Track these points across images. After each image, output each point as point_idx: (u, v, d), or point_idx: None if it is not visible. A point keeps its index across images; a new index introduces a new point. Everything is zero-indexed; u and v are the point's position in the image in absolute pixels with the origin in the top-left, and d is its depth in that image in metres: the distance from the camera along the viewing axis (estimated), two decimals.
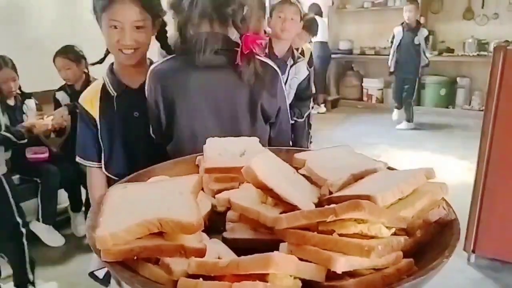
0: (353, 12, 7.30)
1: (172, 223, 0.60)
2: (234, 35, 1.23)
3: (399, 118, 5.85)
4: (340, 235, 0.57)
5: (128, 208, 0.66)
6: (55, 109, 2.98)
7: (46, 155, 2.92)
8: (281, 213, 0.65)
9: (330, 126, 5.92)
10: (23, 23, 3.24)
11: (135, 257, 0.59)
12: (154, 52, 1.39)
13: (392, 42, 5.52)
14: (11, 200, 2.29)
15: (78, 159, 1.36)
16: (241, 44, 1.18)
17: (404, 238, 0.61)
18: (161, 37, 1.34)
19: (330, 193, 0.73)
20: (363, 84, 7.24)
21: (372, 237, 0.58)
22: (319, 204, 0.71)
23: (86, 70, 3.00)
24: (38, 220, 2.92)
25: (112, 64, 1.35)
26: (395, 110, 5.94)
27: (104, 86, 1.33)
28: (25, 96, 2.94)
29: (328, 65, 6.80)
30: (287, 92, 1.78)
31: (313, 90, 2.84)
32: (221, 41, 1.19)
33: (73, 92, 2.95)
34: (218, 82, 1.21)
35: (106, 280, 1.33)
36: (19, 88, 2.87)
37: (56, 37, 3.09)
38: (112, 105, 1.31)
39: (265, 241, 0.68)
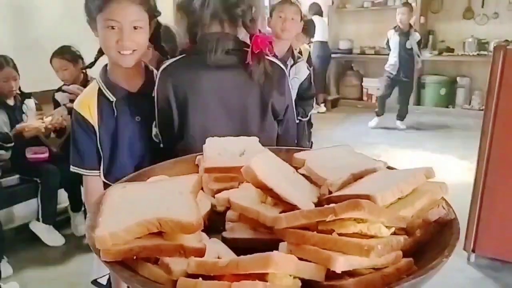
0: (353, 11, 7.29)
1: (172, 223, 0.60)
2: (241, 35, 1.26)
3: (377, 125, 5.65)
4: (340, 234, 0.57)
5: (128, 208, 0.66)
6: (54, 109, 2.98)
7: (46, 155, 2.92)
8: (280, 212, 0.65)
9: (330, 125, 5.92)
10: (23, 23, 3.24)
11: (135, 257, 0.59)
12: None
13: (387, 45, 5.43)
14: None
15: (75, 169, 1.28)
16: (251, 44, 1.21)
17: (403, 237, 0.61)
18: (155, 38, 1.31)
19: (330, 192, 0.73)
20: (363, 84, 7.23)
21: (371, 237, 0.58)
22: (318, 204, 0.71)
23: (84, 70, 3.00)
24: (38, 220, 2.92)
25: (105, 67, 1.30)
26: (376, 118, 5.70)
27: (100, 90, 1.27)
28: (24, 96, 2.95)
29: (328, 64, 6.79)
30: None
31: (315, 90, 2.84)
32: (232, 42, 1.22)
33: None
34: (229, 81, 1.23)
35: (108, 286, 1.33)
36: (19, 88, 2.87)
37: (56, 37, 3.08)
38: (111, 110, 1.26)
39: (264, 241, 0.68)
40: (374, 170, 0.78)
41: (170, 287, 0.56)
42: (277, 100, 1.26)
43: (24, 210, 2.96)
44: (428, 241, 0.66)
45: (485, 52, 6.04)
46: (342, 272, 0.54)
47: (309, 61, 3.23)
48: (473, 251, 2.55)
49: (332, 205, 0.58)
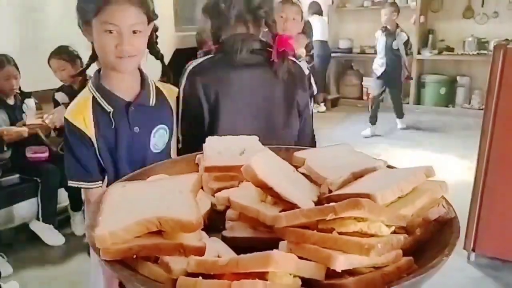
0: (353, 10, 7.29)
1: (172, 222, 0.59)
2: (261, 35, 1.34)
3: (371, 134, 5.35)
4: (340, 233, 0.57)
5: (127, 207, 0.66)
6: (54, 108, 2.98)
7: (46, 154, 2.92)
8: (280, 211, 0.65)
9: (330, 125, 5.92)
10: (24, 22, 3.23)
11: (134, 256, 0.58)
12: None
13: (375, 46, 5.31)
14: None
15: (75, 183, 1.22)
16: (275, 43, 1.28)
17: (403, 236, 0.61)
18: (151, 42, 1.25)
19: (330, 191, 0.73)
20: (363, 83, 7.22)
21: (371, 236, 0.58)
22: (318, 203, 0.71)
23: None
24: (38, 219, 2.92)
25: (97, 74, 1.22)
26: (369, 128, 5.38)
27: (95, 99, 1.19)
28: (24, 95, 2.95)
29: (328, 64, 6.80)
30: None
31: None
32: (256, 42, 1.29)
33: (72, 92, 2.94)
34: (256, 79, 1.29)
35: None
36: (19, 87, 2.88)
37: (57, 37, 3.08)
38: (109, 122, 1.18)
39: (264, 240, 0.68)
40: (374, 169, 0.78)
41: (170, 286, 0.56)
42: (301, 97, 1.33)
43: (24, 210, 2.97)
44: (428, 240, 0.66)
45: (485, 52, 6.04)
46: (342, 271, 0.54)
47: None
48: (473, 250, 2.55)
49: (332, 204, 0.58)
